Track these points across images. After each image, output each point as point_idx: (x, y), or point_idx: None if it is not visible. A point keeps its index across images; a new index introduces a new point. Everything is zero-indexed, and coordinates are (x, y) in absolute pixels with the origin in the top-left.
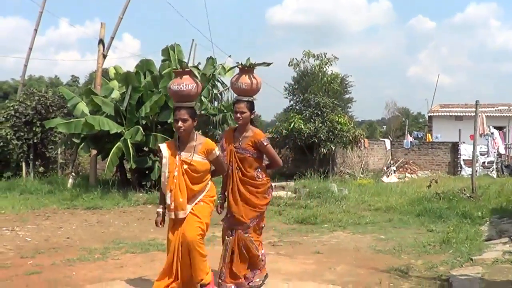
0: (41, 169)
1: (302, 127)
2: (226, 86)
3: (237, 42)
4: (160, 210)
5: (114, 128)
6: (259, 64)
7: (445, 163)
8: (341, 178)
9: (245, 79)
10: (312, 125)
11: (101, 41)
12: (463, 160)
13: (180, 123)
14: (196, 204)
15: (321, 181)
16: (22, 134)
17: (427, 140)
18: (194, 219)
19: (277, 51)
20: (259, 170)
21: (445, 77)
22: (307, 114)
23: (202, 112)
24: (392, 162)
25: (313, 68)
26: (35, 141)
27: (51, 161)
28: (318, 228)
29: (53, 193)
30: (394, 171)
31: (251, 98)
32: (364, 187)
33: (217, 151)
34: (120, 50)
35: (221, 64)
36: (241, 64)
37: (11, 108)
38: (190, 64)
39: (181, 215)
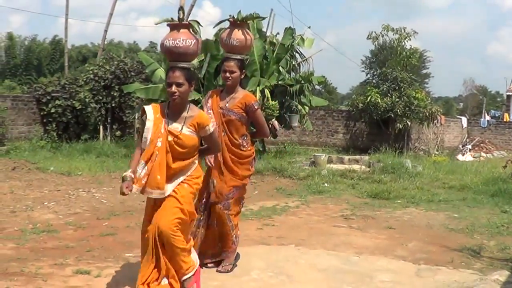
0: (118, 133)
1: (379, 101)
2: (304, 57)
3: (316, 13)
4: (129, 174)
5: (191, 95)
6: (252, 18)
7: None
8: (416, 154)
9: (237, 35)
10: (388, 99)
11: (181, 8)
12: None
13: (173, 88)
14: (179, 185)
15: (396, 156)
16: (100, 97)
17: (505, 120)
18: (172, 204)
19: (356, 23)
20: (245, 138)
21: None
22: (384, 88)
23: (280, 82)
24: (468, 140)
25: (392, 42)
26: (113, 105)
27: (128, 125)
28: (391, 204)
29: (129, 157)
30: (470, 149)
31: (242, 56)
32: (438, 164)
33: (211, 127)
34: (200, 18)
35: (299, 35)
36: (233, 17)
37: (91, 72)
38: (268, 34)
39: (155, 194)
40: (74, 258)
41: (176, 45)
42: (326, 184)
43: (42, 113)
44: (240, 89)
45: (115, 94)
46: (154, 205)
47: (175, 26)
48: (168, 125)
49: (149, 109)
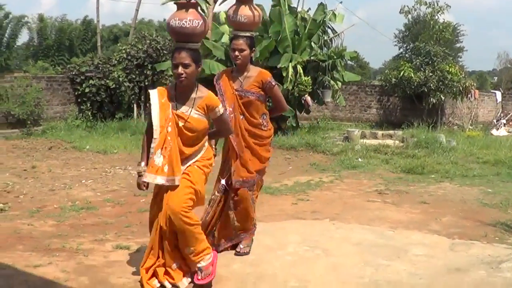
0: None
1: (412, 75)
2: (336, 32)
3: None
4: (142, 168)
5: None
6: None
7: None
8: (450, 129)
9: (244, 11)
10: (422, 74)
11: None
12: None
13: (180, 69)
14: (190, 166)
15: (429, 131)
16: (133, 76)
17: None
18: (184, 184)
19: None
20: (265, 117)
21: None
22: (417, 63)
23: (312, 58)
24: (502, 115)
25: (425, 16)
26: (146, 83)
27: None
28: (425, 178)
29: None
30: (504, 124)
31: (251, 33)
32: (472, 139)
33: (221, 109)
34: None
35: (331, 10)
36: None
37: (123, 51)
38: (299, 10)
39: (176, 181)
40: (114, 234)
41: (182, 26)
42: (359, 159)
43: (76, 93)
44: (252, 66)
45: (148, 72)
46: (161, 191)
47: (182, 5)
48: (176, 109)
49: (154, 93)
